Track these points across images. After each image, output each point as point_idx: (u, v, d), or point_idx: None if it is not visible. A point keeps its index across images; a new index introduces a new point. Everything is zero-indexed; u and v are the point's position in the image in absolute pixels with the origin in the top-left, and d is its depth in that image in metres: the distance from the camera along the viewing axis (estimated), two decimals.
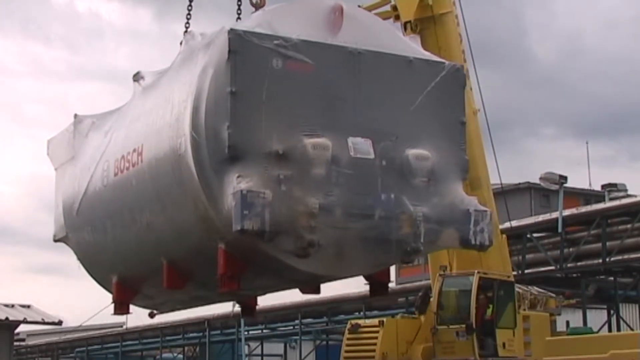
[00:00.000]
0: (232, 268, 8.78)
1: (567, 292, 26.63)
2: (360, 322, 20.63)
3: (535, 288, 21.87)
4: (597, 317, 31.15)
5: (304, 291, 10.37)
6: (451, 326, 18.58)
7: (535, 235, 29.65)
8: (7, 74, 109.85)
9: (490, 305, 18.87)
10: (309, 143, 8.47)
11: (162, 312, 12.62)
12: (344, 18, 9.16)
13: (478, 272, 18.91)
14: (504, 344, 18.48)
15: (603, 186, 44.29)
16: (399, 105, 9.14)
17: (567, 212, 28.91)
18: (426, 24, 21.06)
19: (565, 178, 28.68)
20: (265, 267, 8.90)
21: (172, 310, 12.59)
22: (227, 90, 8.39)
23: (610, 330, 28.76)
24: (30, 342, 62.90)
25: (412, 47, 9.68)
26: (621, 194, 38.42)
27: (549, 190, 34.89)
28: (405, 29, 20.96)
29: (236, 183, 8.21)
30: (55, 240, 12.02)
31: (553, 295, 21.75)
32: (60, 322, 24.85)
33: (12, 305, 23.48)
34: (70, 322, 55.23)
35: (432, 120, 9.29)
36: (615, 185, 42.53)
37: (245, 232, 8.11)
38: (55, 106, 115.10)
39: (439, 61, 9.65)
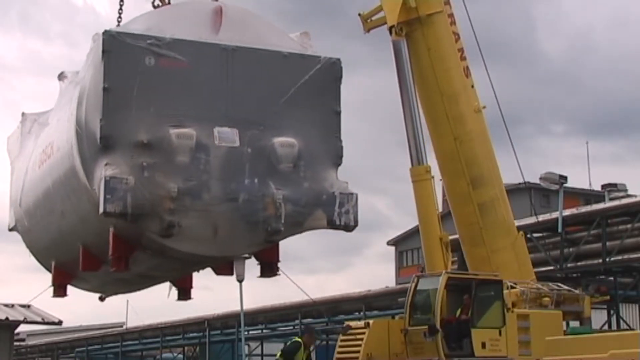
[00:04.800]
0: (119, 249, 9.54)
1: (602, 287, 26.29)
2: (352, 323, 20.64)
3: (558, 285, 21.71)
4: (597, 317, 31.11)
5: (217, 272, 10.93)
6: (420, 327, 18.48)
7: (535, 235, 29.62)
8: (6, 71, 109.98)
9: (468, 305, 18.79)
10: (173, 133, 9.21)
11: (108, 296, 13.22)
12: (228, 18, 9.88)
13: (446, 272, 18.89)
14: (483, 344, 18.38)
15: (603, 186, 44.34)
16: (272, 97, 9.82)
17: (567, 212, 28.90)
18: (413, 26, 21.13)
19: (565, 178, 28.66)
20: (150, 249, 9.57)
21: (114, 294, 13.23)
22: (101, 87, 9.16)
23: (610, 328, 28.71)
24: (30, 342, 62.83)
25: (293, 43, 10.24)
26: (621, 194, 38.43)
27: (549, 190, 34.90)
28: (390, 33, 21.05)
29: (104, 170, 8.99)
30: (9, 230, 12.83)
31: (576, 292, 21.50)
32: (60, 322, 24.85)
33: (12, 305, 23.46)
34: (70, 322, 55.31)
35: (305, 110, 9.93)
36: (615, 185, 42.58)
37: (109, 215, 8.93)
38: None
39: (314, 55, 10.19)
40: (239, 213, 9.44)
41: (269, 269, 10.47)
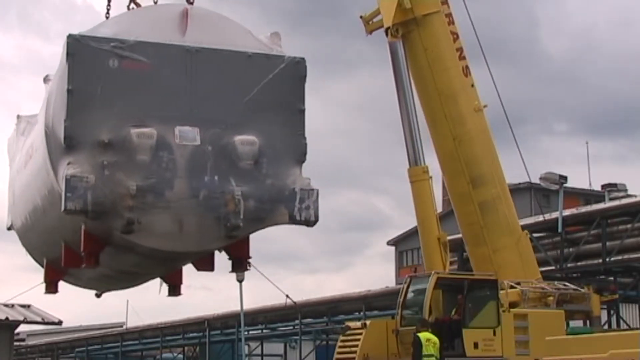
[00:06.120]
0: (90, 246, 9.89)
1: (612, 286, 26.14)
2: (352, 324, 20.67)
3: (565, 284, 21.64)
4: None
5: (198, 268, 11.08)
6: (410, 327, 18.55)
7: (535, 235, 29.62)
8: (6, 71, 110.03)
9: (460, 305, 18.79)
10: (134, 132, 9.49)
11: (102, 292, 13.59)
12: (194, 20, 10.17)
13: (436, 273, 18.90)
14: (476, 344, 18.36)
15: (603, 186, 44.34)
16: (235, 96, 10.05)
17: (567, 212, 28.88)
18: (409, 27, 21.20)
19: (565, 178, 28.66)
20: (120, 245, 9.85)
21: (107, 290, 13.52)
22: (65, 88, 9.47)
23: (610, 328, 28.67)
24: (30, 342, 62.86)
25: (259, 43, 10.45)
26: (621, 194, 38.41)
27: (549, 190, 34.86)
28: (387, 35, 21.11)
29: (65, 169, 9.31)
30: (8, 229, 13.26)
31: (582, 290, 21.36)
32: (60, 322, 24.85)
33: (12, 305, 23.47)
34: (70, 322, 55.30)
35: (269, 108, 10.16)
36: (615, 185, 42.56)
37: (70, 212, 9.26)
38: None
39: (278, 55, 10.40)
40: (200, 210, 9.70)
41: (239, 264, 10.69)
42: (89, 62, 9.58)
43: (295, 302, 30.94)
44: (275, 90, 10.19)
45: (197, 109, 9.87)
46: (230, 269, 10.79)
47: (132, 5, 11.45)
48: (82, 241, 9.87)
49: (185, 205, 9.62)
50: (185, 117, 9.80)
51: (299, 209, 10.06)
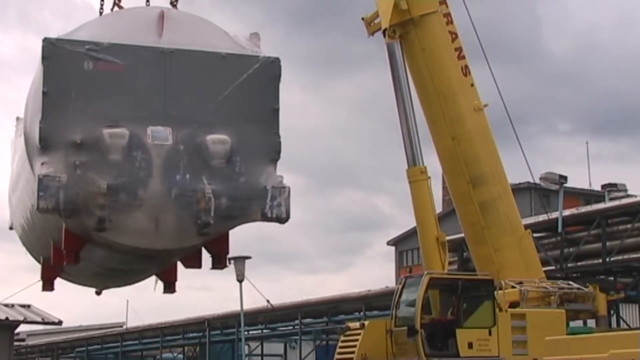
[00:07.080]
0: (70, 244, 10.12)
1: (619, 284, 26.08)
2: (352, 324, 20.69)
3: (569, 283, 21.59)
4: None
5: (185, 265, 11.21)
6: (403, 327, 18.60)
7: (535, 235, 29.58)
8: (6, 70, 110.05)
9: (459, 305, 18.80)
10: (106, 133, 9.68)
11: (101, 290, 13.87)
12: (171, 22, 10.35)
13: (429, 273, 18.91)
14: (470, 344, 18.34)
15: (603, 186, 44.32)
16: (209, 96, 10.22)
17: (567, 212, 28.87)
18: (407, 27, 21.22)
19: (565, 178, 28.62)
20: (100, 243, 10.02)
21: (105, 288, 13.75)
22: (40, 91, 9.70)
23: (610, 328, 28.65)
24: (30, 342, 62.87)
25: (235, 44, 10.60)
26: (621, 194, 38.38)
27: (549, 190, 34.83)
28: (384, 36, 21.14)
29: (39, 169, 9.55)
30: (10, 229, 13.55)
31: (584, 289, 21.24)
32: (60, 322, 24.87)
33: (12, 305, 23.50)
34: (70, 322, 55.31)
35: (243, 108, 10.32)
36: (615, 185, 42.54)
37: (42, 210, 9.51)
38: None
39: (253, 55, 10.55)
40: (173, 208, 9.86)
41: (219, 261, 10.81)
42: (64, 64, 9.77)
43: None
44: (249, 89, 10.32)
45: (170, 109, 10.03)
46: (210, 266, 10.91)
47: (117, 8, 11.57)
48: (63, 239, 10.09)
49: (158, 203, 9.78)
50: (159, 117, 9.97)
51: (271, 207, 10.21)
